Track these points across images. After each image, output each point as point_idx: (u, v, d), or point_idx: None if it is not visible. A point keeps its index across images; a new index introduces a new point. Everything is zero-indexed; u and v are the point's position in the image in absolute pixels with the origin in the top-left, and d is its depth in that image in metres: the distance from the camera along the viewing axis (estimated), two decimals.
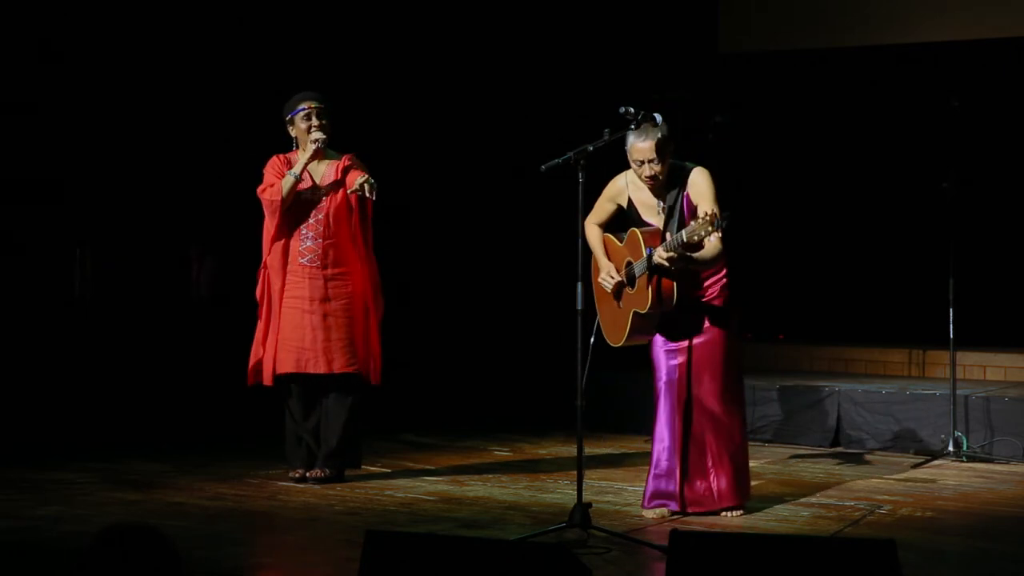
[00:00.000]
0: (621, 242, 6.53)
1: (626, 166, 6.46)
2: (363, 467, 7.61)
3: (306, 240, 7.30)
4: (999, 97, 9.73)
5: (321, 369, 7.28)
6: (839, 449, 8.56)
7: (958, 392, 8.21)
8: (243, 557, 5.89)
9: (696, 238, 6.01)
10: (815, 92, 10.35)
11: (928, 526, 6.46)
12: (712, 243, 6.16)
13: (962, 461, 8.01)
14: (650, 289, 6.29)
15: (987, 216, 9.68)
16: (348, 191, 7.28)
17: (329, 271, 7.30)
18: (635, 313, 6.40)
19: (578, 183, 6.04)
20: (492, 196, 10.24)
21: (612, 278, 6.48)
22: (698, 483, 6.49)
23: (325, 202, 7.31)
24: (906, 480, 7.58)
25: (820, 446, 8.62)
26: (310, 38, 9.46)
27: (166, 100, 9.02)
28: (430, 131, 10.06)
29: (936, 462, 7.99)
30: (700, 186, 6.36)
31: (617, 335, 6.55)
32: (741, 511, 6.53)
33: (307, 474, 7.34)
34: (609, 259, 6.56)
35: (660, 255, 6.16)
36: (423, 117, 10.02)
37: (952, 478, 7.64)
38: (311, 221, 7.31)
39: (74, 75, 8.71)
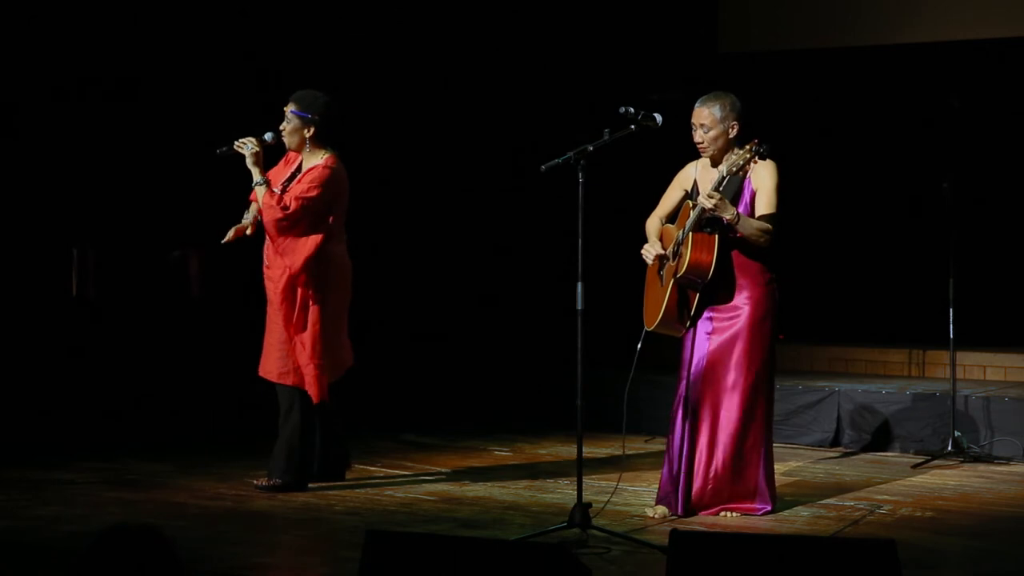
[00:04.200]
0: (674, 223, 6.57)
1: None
2: (363, 467, 7.60)
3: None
4: (999, 97, 9.72)
5: (262, 373, 7.06)
6: (839, 449, 8.56)
7: (958, 392, 8.21)
8: (243, 557, 5.89)
9: (735, 168, 6.17)
10: (815, 92, 10.35)
11: (928, 526, 6.46)
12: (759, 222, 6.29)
13: (962, 461, 8.01)
14: (689, 243, 6.28)
15: (987, 216, 9.68)
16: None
17: (268, 271, 7.00)
18: (673, 283, 6.37)
19: (578, 183, 6.04)
20: (492, 195, 10.24)
21: (652, 250, 6.48)
22: (705, 485, 6.46)
23: None
24: (906, 480, 7.58)
25: (820, 446, 8.62)
26: (312, 35, 9.45)
27: (163, 99, 9.02)
28: (430, 131, 10.06)
29: (936, 462, 7.99)
30: (763, 177, 6.39)
31: (653, 315, 6.52)
32: (742, 510, 6.52)
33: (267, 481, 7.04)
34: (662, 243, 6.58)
35: (705, 195, 6.21)
36: (422, 116, 10.02)
37: (952, 478, 7.64)
38: None
39: (72, 73, 8.72)
